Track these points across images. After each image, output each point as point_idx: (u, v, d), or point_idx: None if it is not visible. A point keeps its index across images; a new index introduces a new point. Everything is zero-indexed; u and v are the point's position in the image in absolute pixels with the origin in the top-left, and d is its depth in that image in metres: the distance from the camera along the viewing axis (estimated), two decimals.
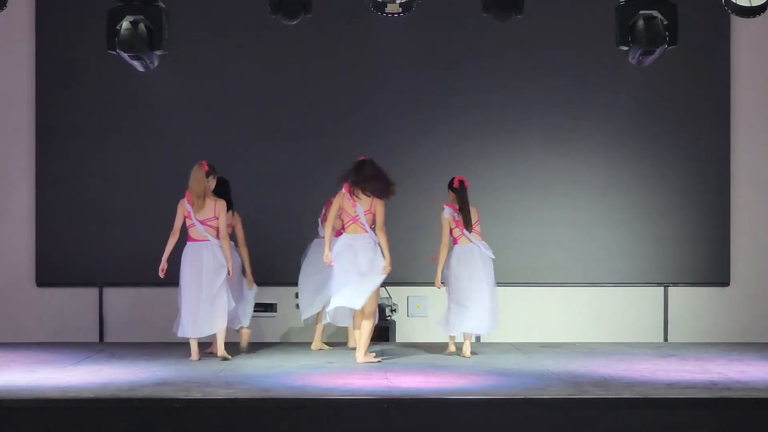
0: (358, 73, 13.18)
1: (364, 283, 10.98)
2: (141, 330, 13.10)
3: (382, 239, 11.06)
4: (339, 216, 11.57)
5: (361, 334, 11.10)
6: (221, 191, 11.69)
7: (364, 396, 9.06)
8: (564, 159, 13.12)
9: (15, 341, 12.65)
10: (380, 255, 11.06)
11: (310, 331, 13.15)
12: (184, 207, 11.22)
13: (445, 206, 11.64)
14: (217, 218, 11.21)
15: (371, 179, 11.09)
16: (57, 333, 12.89)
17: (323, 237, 11.51)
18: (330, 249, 11.06)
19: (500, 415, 8.73)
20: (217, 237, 11.20)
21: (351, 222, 11.09)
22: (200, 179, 11.21)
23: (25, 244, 13.10)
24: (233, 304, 11.36)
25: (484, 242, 11.61)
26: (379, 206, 11.09)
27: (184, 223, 11.24)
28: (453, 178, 11.67)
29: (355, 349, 11.28)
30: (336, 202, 11.18)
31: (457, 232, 11.58)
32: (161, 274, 11.22)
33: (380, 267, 11.01)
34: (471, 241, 11.56)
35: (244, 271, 11.76)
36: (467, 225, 11.54)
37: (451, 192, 11.65)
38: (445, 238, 11.60)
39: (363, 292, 10.96)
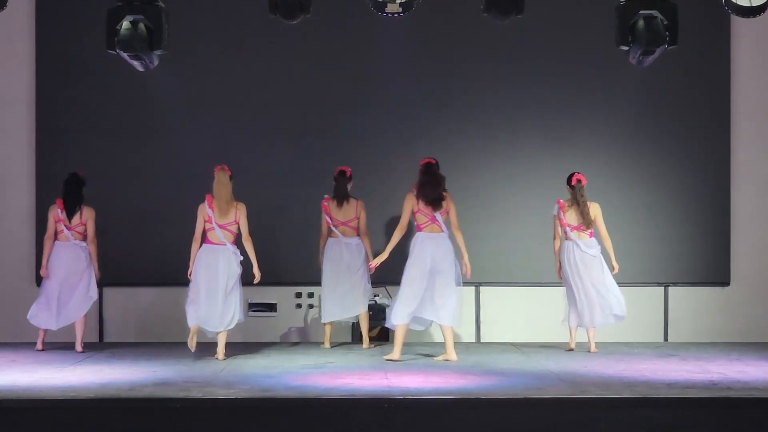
0: (358, 73, 13.17)
1: (444, 297, 11.17)
2: (141, 330, 13.10)
3: (460, 239, 11.23)
4: (331, 224, 11.84)
5: (450, 336, 11.27)
6: (75, 191, 11.92)
7: (364, 396, 9.06)
8: (564, 159, 13.10)
9: (15, 341, 12.64)
10: (454, 259, 11.21)
11: (310, 330, 13.19)
12: (204, 211, 11.25)
13: (556, 203, 11.92)
14: (237, 222, 11.25)
15: (426, 186, 11.18)
16: (57, 333, 12.86)
17: (334, 237, 12.09)
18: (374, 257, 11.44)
19: (500, 415, 8.72)
20: (233, 243, 11.25)
21: (429, 222, 11.21)
22: (226, 184, 11.28)
23: (25, 243, 13.09)
24: (241, 316, 11.43)
25: (588, 240, 11.87)
26: (452, 206, 11.23)
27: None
28: (572, 175, 11.92)
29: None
30: (408, 204, 11.25)
31: (566, 228, 11.89)
32: (190, 277, 11.34)
33: (453, 273, 11.18)
34: (571, 239, 11.86)
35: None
36: (587, 223, 11.81)
37: (569, 189, 11.92)
38: (555, 234, 11.96)
39: (447, 306, 11.20)
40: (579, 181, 11.89)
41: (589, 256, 11.88)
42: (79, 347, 11.99)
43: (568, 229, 11.90)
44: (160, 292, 13.05)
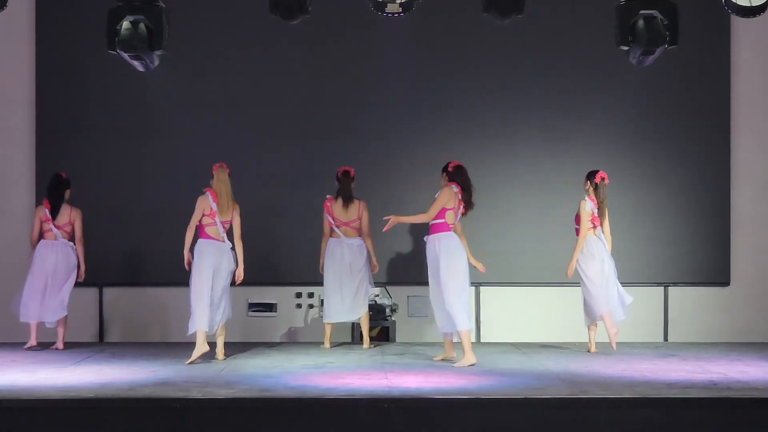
0: (358, 73, 13.17)
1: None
2: (141, 330, 13.10)
3: (464, 242, 11.11)
4: (333, 224, 11.77)
5: (468, 339, 10.86)
6: (55, 191, 11.98)
7: (364, 396, 9.06)
8: (564, 159, 13.12)
9: (15, 341, 12.64)
10: None
11: (310, 330, 13.19)
12: (208, 204, 11.13)
13: (587, 199, 11.81)
14: (231, 221, 11.23)
15: (471, 189, 11.07)
16: (56, 333, 12.87)
17: (336, 237, 12.02)
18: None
19: (500, 415, 8.72)
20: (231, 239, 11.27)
21: (454, 223, 11.03)
22: (226, 181, 11.23)
23: (25, 244, 13.07)
24: (229, 313, 11.37)
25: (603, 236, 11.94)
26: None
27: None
28: (595, 172, 11.84)
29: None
30: (445, 198, 10.96)
31: (589, 225, 11.82)
32: (187, 267, 11.15)
33: None
34: (596, 235, 11.83)
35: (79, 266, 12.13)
36: (603, 221, 11.82)
37: (591, 186, 11.83)
38: (584, 229, 11.76)
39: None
40: (603, 179, 11.84)
41: (608, 251, 11.89)
42: (59, 345, 12.10)
43: (591, 225, 11.88)
44: (160, 292, 13.05)
